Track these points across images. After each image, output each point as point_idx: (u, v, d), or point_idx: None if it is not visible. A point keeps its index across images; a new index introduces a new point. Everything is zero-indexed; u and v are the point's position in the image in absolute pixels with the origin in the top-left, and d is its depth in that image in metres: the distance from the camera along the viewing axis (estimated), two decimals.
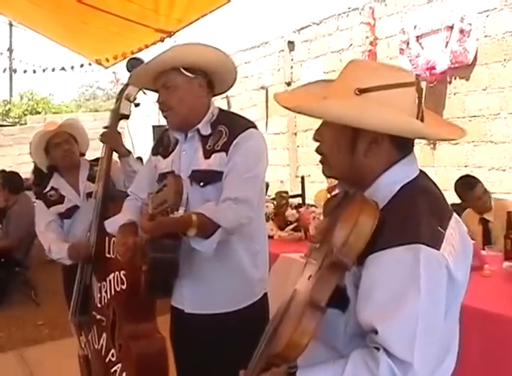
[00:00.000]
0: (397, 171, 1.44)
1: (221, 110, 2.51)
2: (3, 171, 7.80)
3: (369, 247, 1.31)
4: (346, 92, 1.42)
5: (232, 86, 2.59)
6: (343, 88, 1.45)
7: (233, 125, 2.39)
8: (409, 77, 1.46)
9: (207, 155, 2.36)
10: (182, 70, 2.35)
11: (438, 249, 1.31)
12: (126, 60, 3.87)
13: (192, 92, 2.39)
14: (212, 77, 2.45)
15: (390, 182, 1.43)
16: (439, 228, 1.34)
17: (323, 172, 1.56)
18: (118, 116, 3.30)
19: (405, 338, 1.26)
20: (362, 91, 1.41)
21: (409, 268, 1.28)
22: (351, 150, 1.44)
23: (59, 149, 3.62)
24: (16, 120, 20.36)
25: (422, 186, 1.45)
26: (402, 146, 1.45)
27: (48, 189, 3.68)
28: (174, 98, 2.36)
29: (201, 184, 2.30)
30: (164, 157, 2.54)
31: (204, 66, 2.40)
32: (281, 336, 1.34)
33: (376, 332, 1.28)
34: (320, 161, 1.54)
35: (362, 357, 1.30)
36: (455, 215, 1.46)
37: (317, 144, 1.54)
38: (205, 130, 2.41)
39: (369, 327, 1.31)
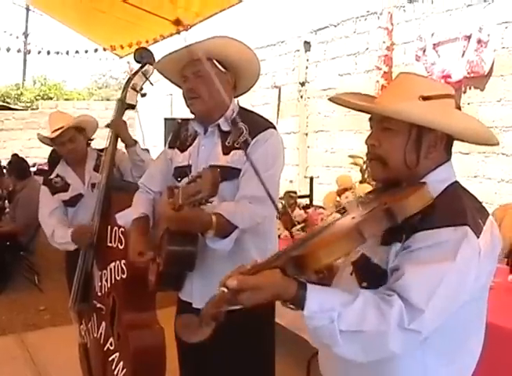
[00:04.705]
0: (442, 172, 1.60)
1: (241, 107, 2.52)
2: (16, 155, 7.81)
3: (419, 224, 1.46)
4: (410, 100, 1.56)
5: (248, 91, 2.60)
6: (405, 96, 1.58)
7: (253, 124, 2.40)
8: (452, 90, 1.64)
9: (226, 151, 2.37)
10: (216, 63, 2.38)
11: (477, 237, 1.45)
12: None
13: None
14: (237, 77, 2.46)
15: (436, 181, 1.57)
16: (479, 221, 1.50)
17: (373, 175, 1.71)
18: (124, 105, 3.31)
19: (426, 288, 1.39)
20: (425, 98, 1.55)
21: (454, 241, 1.42)
22: (416, 153, 1.58)
23: (64, 148, 3.64)
24: (28, 104, 20.38)
25: (462, 188, 1.61)
26: (450, 149, 1.63)
27: (53, 175, 3.70)
28: (204, 87, 2.37)
29: (219, 178, 2.29)
30: (182, 150, 2.54)
31: (238, 64, 2.43)
32: (310, 245, 1.44)
33: (398, 278, 1.41)
34: (371, 165, 1.69)
35: (373, 298, 1.41)
36: (491, 217, 1.59)
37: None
38: (225, 126, 2.41)
39: (396, 267, 1.45)
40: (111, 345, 3.05)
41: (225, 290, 1.39)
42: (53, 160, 4.06)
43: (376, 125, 1.63)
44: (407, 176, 1.60)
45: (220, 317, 1.43)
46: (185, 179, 2.15)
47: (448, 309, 1.45)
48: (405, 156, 1.57)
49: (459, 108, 1.64)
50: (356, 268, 1.66)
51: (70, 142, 3.62)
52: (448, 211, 1.47)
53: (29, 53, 10.59)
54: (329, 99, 1.76)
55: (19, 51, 10.23)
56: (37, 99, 20.73)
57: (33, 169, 8.88)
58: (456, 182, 1.62)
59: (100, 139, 3.85)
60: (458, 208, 1.49)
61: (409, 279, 1.40)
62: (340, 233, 1.42)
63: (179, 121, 2.68)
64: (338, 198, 3.93)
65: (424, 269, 1.41)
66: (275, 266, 1.42)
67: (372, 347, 1.41)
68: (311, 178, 6.34)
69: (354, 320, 1.37)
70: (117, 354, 3.00)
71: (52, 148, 4.20)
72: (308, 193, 6.12)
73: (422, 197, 1.48)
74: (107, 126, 3.32)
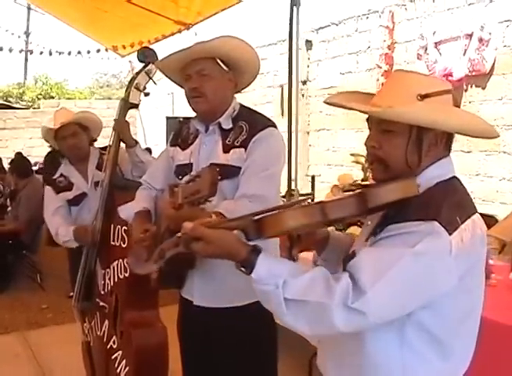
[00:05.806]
0: (438, 168, 1.58)
1: (242, 105, 2.52)
2: (19, 153, 7.82)
3: (392, 218, 1.48)
4: (408, 99, 1.53)
5: (246, 87, 2.61)
6: (402, 96, 1.55)
7: (254, 123, 2.40)
8: (449, 85, 1.62)
9: (226, 150, 2.37)
10: (219, 62, 2.38)
11: (450, 234, 1.41)
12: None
13: (223, 84, 2.42)
14: (238, 75, 2.47)
15: (431, 177, 1.55)
16: (457, 218, 1.46)
17: (374, 177, 1.67)
18: (127, 105, 3.30)
19: (374, 270, 1.39)
20: (423, 96, 1.52)
21: (418, 233, 1.40)
22: (418, 153, 1.55)
23: (65, 143, 3.64)
24: (30, 103, 20.41)
25: (454, 185, 1.58)
26: (450, 145, 1.61)
27: (57, 175, 3.71)
28: (208, 86, 2.37)
29: (218, 178, 2.30)
30: (183, 148, 2.55)
31: (241, 63, 2.42)
32: (274, 213, 1.49)
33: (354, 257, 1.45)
34: (372, 167, 1.65)
35: (325, 274, 1.44)
36: (477, 216, 1.55)
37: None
38: (226, 124, 2.42)
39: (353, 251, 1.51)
40: (114, 343, 3.05)
41: (180, 235, 1.50)
42: (50, 159, 4.04)
43: (375, 127, 1.60)
44: (408, 175, 1.57)
45: (164, 257, 1.53)
46: (187, 177, 2.15)
47: (405, 297, 1.43)
48: (407, 157, 1.55)
49: (456, 105, 1.63)
50: (343, 264, 1.68)
51: (71, 137, 3.62)
52: (422, 206, 1.46)
53: (31, 54, 10.58)
54: (325, 102, 1.73)
55: (21, 51, 10.23)
56: (38, 98, 20.77)
57: (34, 168, 8.89)
58: (454, 177, 1.60)
59: (102, 138, 3.86)
60: (433, 204, 1.46)
61: (361, 260, 1.43)
62: (301, 208, 1.49)
63: (181, 119, 2.69)
64: None
65: (378, 252, 1.44)
66: (237, 226, 1.52)
67: (316, 320, 1.42)
68: (313, 177, 6.36)
69: (299, 290, 1.41)
70: (120, 352, 3.00)
71: (49, 150, 4.19)
72: (309, 191, 6.14)
73: (404, 187, 1.49)
74: (114, 129, 3.32)
